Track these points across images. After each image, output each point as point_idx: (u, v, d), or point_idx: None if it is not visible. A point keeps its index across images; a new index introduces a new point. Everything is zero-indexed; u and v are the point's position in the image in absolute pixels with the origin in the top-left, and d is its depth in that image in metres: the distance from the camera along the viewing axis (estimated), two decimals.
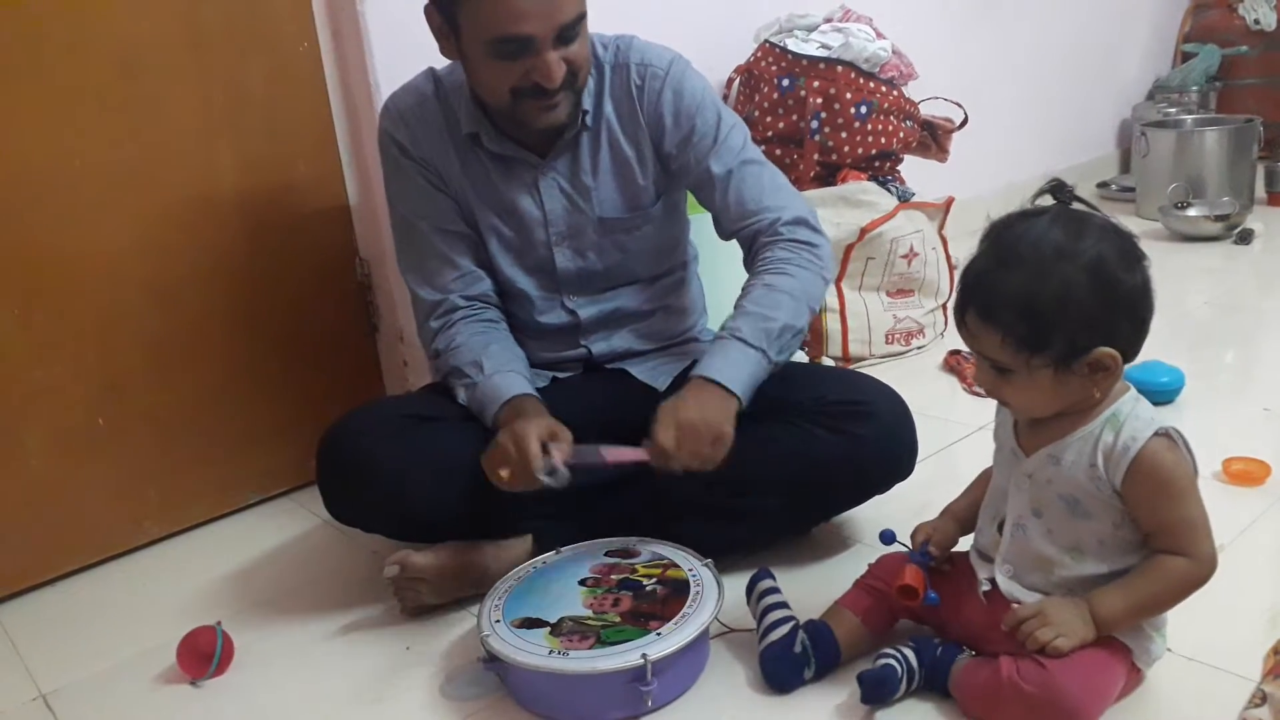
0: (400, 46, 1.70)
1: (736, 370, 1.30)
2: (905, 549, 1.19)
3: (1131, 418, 1.01)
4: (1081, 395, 1.00)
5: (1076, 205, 1.01)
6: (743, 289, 1.40)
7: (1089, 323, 0.96)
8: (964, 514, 1.20)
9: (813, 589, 1.27)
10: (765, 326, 1.33)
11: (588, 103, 1.41)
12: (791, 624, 1.17)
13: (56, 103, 1.54)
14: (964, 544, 1.20)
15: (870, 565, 1.22)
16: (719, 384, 1.28)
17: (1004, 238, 1.00)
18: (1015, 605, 1.05)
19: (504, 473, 1.25)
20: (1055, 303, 0.95)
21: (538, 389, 1.43)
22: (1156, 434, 0.99)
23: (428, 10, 1.33)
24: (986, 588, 1.10)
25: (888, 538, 1.22)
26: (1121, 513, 1.02)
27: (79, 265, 1.60)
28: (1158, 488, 0.99)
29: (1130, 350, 1.00)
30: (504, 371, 1.39)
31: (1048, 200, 1.03)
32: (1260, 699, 1.04)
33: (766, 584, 1.22)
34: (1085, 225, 0.98)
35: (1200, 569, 1.00)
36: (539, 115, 1.33)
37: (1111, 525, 1.03)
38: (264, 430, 1.82)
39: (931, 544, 1.17)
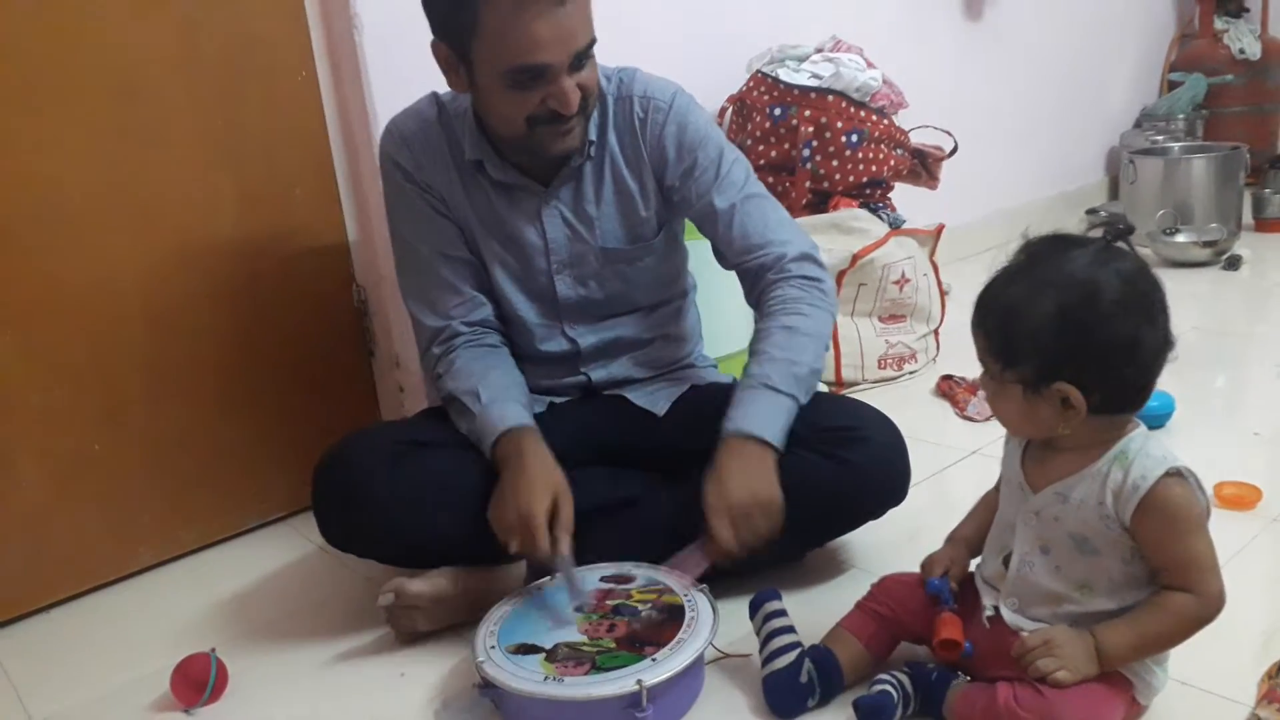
0: (397, 75, 1.72)
1: (772, 421, 1.30)
2: (936, 590, 1.15)
3: (1141, 455, 1.00)
4: (1053, 425, 1.01)
5: (1120, 244, 1.00)
6: (760, 332, 1.40)
7: (1052, 355, 0.97)
8: (973, 538, 1.19)
9: (806, 614, 1.27)
10: (794, 372, 1.34)
11: (592, 133, 1.42)
12: (797, 651, 1.16)
13: (54, 131, 1.56)
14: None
15: (872, 587, 1.22)
16: (757, 438, 1.28)
17: (1030, 254, 1.02)
18: (1023, 634, 1.04)
19: (513, 546, 1.28)
20: (1026, 326, 0.98)
21: (536, 414, 1.43)
22: (1168, 473, 0.99)
23: (435, 45, 1.33)
24: (990, 613, 1.10)
25: (933, 588, 1.16)
26: (1131, 549, 1.02)
27: (76, 291, 1.60)
28: (1167, 524, 0.99)
29: (1108, 400, 0.99)
30: (501, 401, 1.39)
31: (1098, 232, 1.03)
32: None
33: (773, 605, 1.21)
34: (1105, 264, 0.97)
35: (1207, 607, 1.00)
36: (554, 141, 1.34)
37: (1121, 561, 1.02)
38: (259, 456, 1.82)
39: (950, 576, 1.16)
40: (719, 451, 1.28)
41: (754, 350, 1.38)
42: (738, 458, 1.27)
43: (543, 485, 1.29)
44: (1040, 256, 1.01)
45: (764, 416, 1.30)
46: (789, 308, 1.39)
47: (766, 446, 1.28)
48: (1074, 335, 0.96)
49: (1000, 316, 1.00)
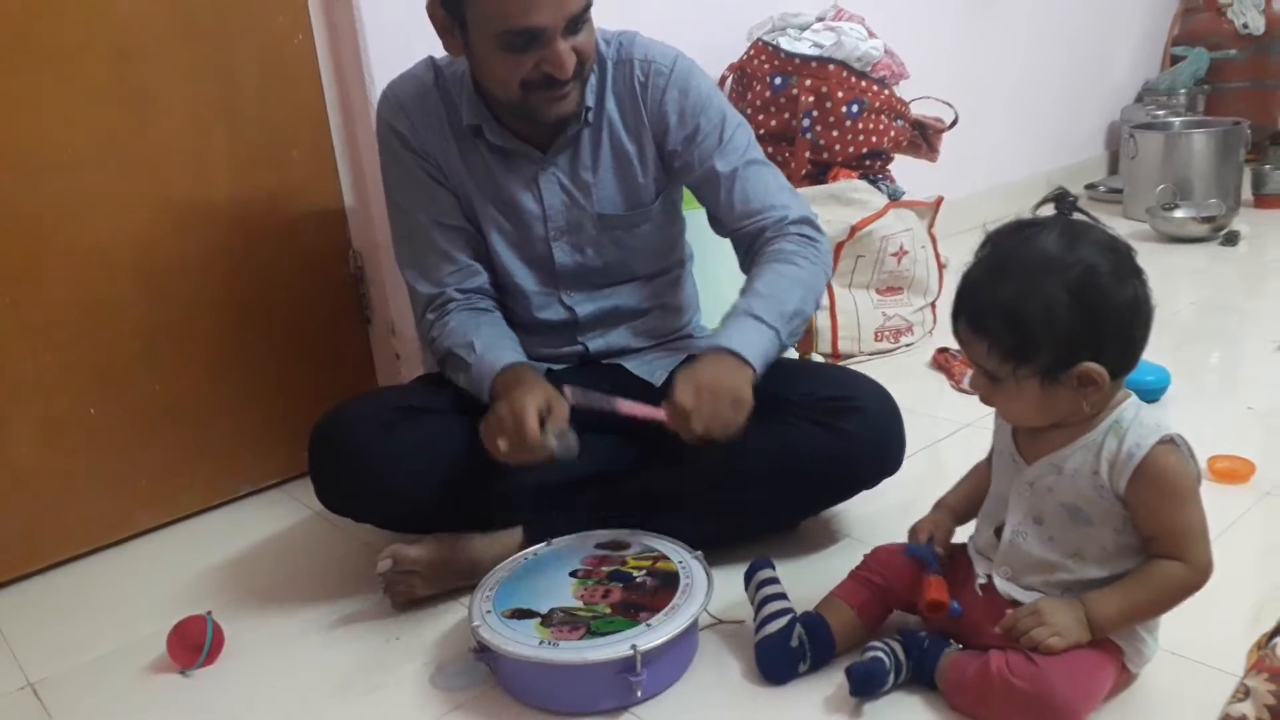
0: (394, 39, 1.70)
1: (752, 343, 1.30)
2: (919, 554, 1.17)
3: (1135, 424, 1.01)
4: (1071, 408, 1.01)
5: (1077, 216, 1.02)
6: (751, 275, 1.40)
7: (1073, 338, 0.97)
8: (960, 506, 1.21)
9: (800, 583, 1.28)
10: (780, 309, 1.34)
11: (589, 99, 1.41)
12: (789, 616, 1.17)
13: (49, 94, 1.54)
14: (960, 534, 1.21)
15: (865, 556, 1.23)
16: (736, 354, 1.28)
17: (998, 248, 1.02)
18: (1010, 610, 1.05)
19: (502, 444, 1.24)
20: (1039, 317, 0.97)
21: None
22: (1161, 441, 1.00)
23: (430, 7, 1.32)
24: (983, 581, 1.11)
25: (914, 551, 1.18)
26: (1124, 518, 1.02)
27: (71, 255, 1.60)
28: (1161, 493, 1.00)
29: (1120, 365, 1.01)
30: (496, 348, 1.39)
31: (1049, 210, 1.03)
32: (1243, 693, 1.05)
33: (766, 573, 1.22)
34: (1079, 239, 0.98)
35: (1196, 575, 1.01)
36: (550, 106, 1.33)
37: (1113, 531, 1.03)
38: (255, 422, 1.82)
39: (935, 541, 1.17)
40: (698, 358, 1.28)
41: (743, 289, 1.38)
42: (714, 362, 1.27)
43: (535, 392, 1.27)
44: (1010, 248, 1.01)
45: (745, 338, 1.30)
46: (782, 256, 1.39)
47: (744, 363, 1.28)
48: (1089, 313, 0.96)
49: (1003, 317, 0.98)
